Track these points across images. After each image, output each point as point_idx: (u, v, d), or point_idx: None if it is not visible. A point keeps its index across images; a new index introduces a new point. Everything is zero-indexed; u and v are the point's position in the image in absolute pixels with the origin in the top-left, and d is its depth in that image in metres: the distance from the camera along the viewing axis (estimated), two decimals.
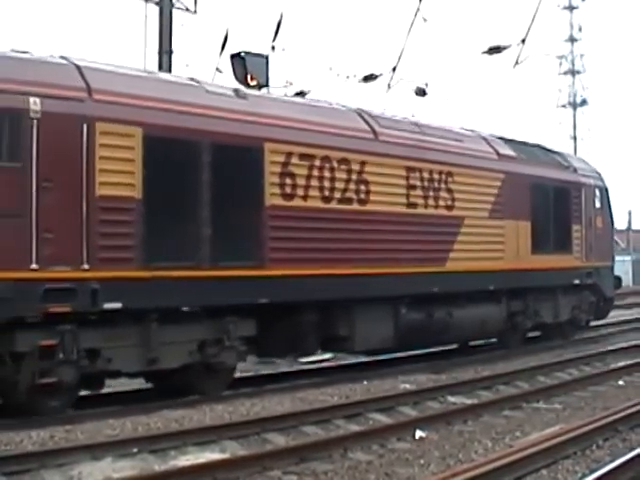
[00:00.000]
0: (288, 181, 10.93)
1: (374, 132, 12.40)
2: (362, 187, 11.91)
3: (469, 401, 10.46)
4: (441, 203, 13.19)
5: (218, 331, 10.29)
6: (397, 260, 12.32)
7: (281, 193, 10.85)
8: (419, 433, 8.35)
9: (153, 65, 17.10)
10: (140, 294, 9.35)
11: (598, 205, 17.07)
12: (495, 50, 16.47)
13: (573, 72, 61.18)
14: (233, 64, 13.80)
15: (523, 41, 16.01)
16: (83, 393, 9.65)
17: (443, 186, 13.24)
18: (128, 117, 9.37)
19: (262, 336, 10.85)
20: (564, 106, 61.48)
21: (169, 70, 16.53)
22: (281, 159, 10.86)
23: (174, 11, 17.42)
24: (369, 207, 12.01)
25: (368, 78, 18.15)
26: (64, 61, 9.56)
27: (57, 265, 8.72)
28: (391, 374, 12.22)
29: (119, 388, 10.63)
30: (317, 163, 11.30)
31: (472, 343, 15.40)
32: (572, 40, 60.54)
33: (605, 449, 7.79)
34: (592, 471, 6.73)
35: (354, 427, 8.88)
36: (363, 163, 11.94)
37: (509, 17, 70.05)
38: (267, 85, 14.14)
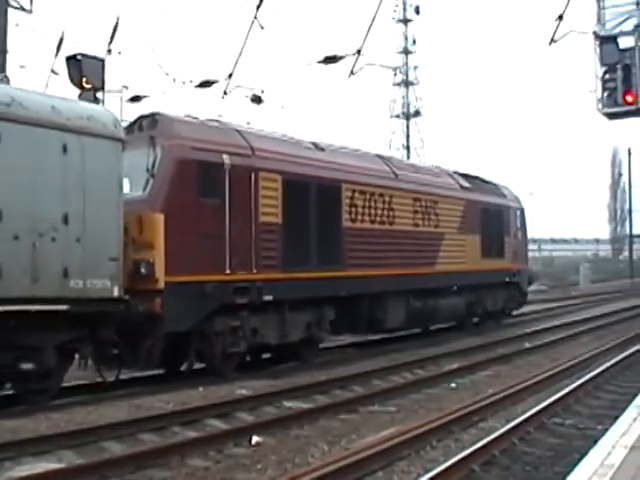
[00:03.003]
0: (353, 209, 15.44)
1: (394, 174, 17.17)
2: (390, 212, 16.61)
3: (305, 406, 10.56)
4: (431, 223, 18.16)
5: (317, 315, 14.62)
6: (409, 264, 17.10)
7: (350, 218, 15.34)
8: (256, 438, 8.51)
9: None
10: (281, 289, 13.50)
11: (518, 222, 22.91)
12: (331, 60, 16.36)
13: (407, 83, 61.88)
14: (69, 66, 13.39)
15: (359, 52, 15.94)
16: None
17: (432, 211, 18.22)
18: (274, 167, 13.54)
19: (337, 319, 15.26)
20: (398, 116, 61.95)
21: (3, 70, 15.87)
22: (350, 194, 15.37)
23: (9, 10, 16.81)
24: (394, 227, 16.73)
25: (204, 84, 17.76)
26: (215, 122, 13.52)
27: (240, 271, 12.74)
28: (228, 380, 12.32)
29: None
30: (367, 197, 15.88)
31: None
32: (406, 52, 61.27)
33: (439, 449, 8.02)
34: (427, 471, 6.91)
35: (191, 434, 8.90)
36: (391, 196, 16.65)
37: (346, 28, 72.08)
38: (102, 89, 13.96)
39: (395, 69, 57.94)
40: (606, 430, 7.34)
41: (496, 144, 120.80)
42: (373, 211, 16.06)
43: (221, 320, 12.54)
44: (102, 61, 14.05)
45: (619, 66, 14.76)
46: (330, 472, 6.67)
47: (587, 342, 18.23)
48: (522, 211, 23.24)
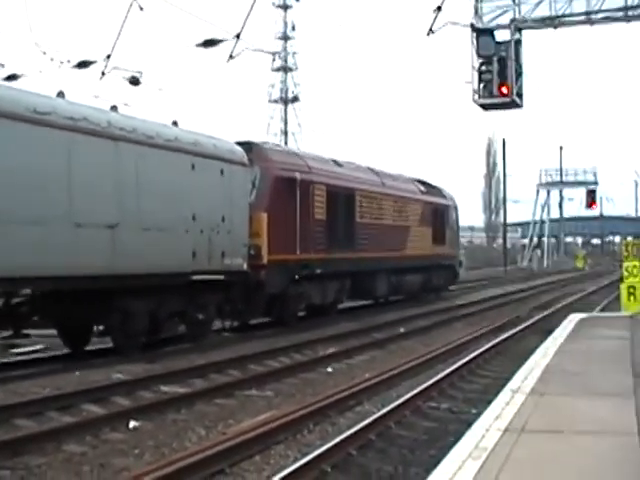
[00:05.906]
0: (361, 209, 21.48)
1: (382, 182, 23.33)
2: (380, 211, 22.77)
3: (182, 390, 10.55)
4: (403, 219, 24.48)
5: (340, 284, 20.58)
6: (390, 249, 23.31)
7: (360, 215, 21.37)
8: (133, 423, 8.50)
9: None
10: (325, 266, 19.33)
11: (454, 217, 29.67)
12: (210, 43, 16.14)
13: (285, 69, 62.83)
14: None
15: (238, 36, 15.62)
16: None
17: (403, 209, 24.53)
18: (322, 181, 19.36)
19: (349, 288, 21.25)
20: (276, 101, 63.06)
21: None
22: (360, 199, 21.41)
23: None
24: (382, 222, 22.91)
25: (82, 64, 17.25)
26: (287, 149, 19.15)
27: (304, 253, 18.48)
28: (104, 364, 12.18)
29: None
30: (370, 199, 21.95)
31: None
32: (285, 38, 62.09)
33: (316, 433, 8.09)
34: (303, 455, 7.02)
35: (67, 419, 8.77)
36: (380, 199, 22.80)
37: (226, 12, 68.59)
38: None
39: (274, 54, 56.97)
40: (480, 414, 7.25)
41: (375, 132, 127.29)
42: (371, 210, 22.18)
43: (293, 287, 18.26)
44: None
45: (495, 58, 15.52)
46: (207, 457, 6.76)
47: (460, 328, 18.77)
48: (456, 208, 30.04)
